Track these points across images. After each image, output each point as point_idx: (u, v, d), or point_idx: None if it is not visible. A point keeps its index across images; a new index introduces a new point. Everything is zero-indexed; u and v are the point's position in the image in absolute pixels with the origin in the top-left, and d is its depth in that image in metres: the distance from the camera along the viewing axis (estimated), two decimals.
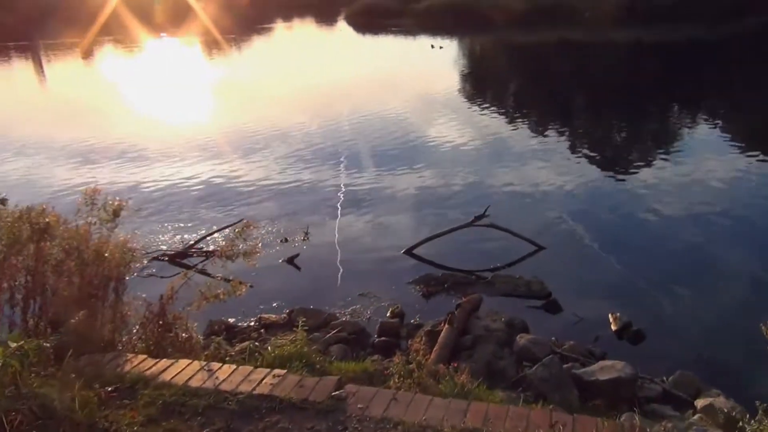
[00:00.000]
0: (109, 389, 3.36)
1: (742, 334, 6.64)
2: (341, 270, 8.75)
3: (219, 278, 6.58)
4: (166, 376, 3.61)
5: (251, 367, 3.69)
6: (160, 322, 5.35)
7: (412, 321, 7.29)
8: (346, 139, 16.25)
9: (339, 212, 10.96)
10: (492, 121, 17.60)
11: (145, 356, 3.99)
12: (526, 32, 39.41)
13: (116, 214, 5.23)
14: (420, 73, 28.22)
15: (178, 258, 9.43)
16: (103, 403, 3.24)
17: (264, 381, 3.51)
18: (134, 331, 5.20)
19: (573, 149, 14.49)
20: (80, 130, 18.69)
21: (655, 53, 29.84)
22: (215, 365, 3.71)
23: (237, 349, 6.27)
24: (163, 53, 44.21)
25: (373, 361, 6.03)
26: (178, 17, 53.38)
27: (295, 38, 52.02)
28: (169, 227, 10.71)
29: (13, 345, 3.09)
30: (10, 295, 4.68)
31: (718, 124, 16.32)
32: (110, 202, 5.20)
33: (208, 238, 9.88)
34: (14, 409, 2.97)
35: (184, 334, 5.44)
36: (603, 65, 27.56)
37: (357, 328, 7.03)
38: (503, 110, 19.62)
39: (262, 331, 7.17)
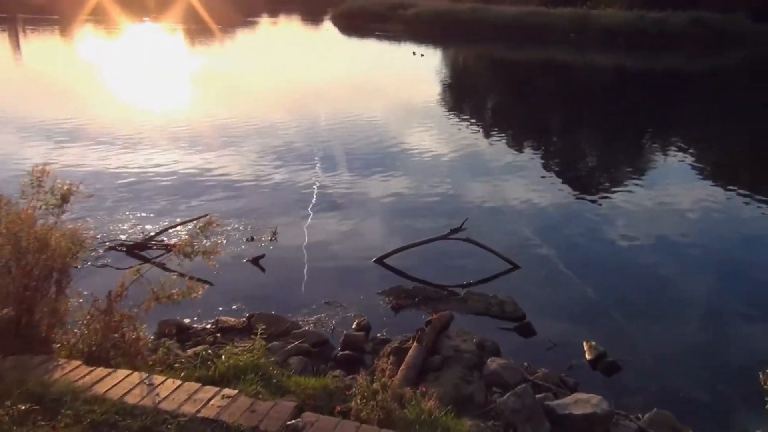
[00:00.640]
0: (29, 404, 2.90)
1: (721, 373, 6.45)
2: (308, 275, 8.34)
3: (177, 275, 6.15)
4: (100, 389, 3.17)
5: (198, 384, 3.26)
6: (106, 321, 4.91)
7: (378, 335, 6.92)
8: (323, 139, 15.86)
9: (310, 214, 10.55)
10: (470, 134, 17.38)
11: (79, 363, 3.54)
12: (510, 48, 39.51)
13: (65, 199, 4.76)
14: (401, 79, 27.98)
15: (137, 249, 8.92)
16: (17, 420, 2.78)
17: (211, 402, 3.10)
18: (75, 330, 4.74)
19: (549, 168, 14.33)
20: (50, 109, 18.00)
21: (635, 79, 30.07)
22: (158, 379, 3.28)
23: (189, 353, 5.83)
24: (144, 38, 43.24)
25: (334, 377, 5.65)
26: (164, 2, 52.42)
27: (280, 34, 51.44)
28: (132, 216, 10.20)
29: None
30: None
31: (690, 152, 16.41)
32: (59, 185, 4.74)
33: (171, 230, 9.39)
34: None
35: (133, 335, 5.00)
36: (583, 87, 27.64)
37: (320, 339, 6.62)
38: (482, 123, 19.42)
39: (218, 335, 6.71)
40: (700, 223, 10.95)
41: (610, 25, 40.23)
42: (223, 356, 4.97)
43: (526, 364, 6.27)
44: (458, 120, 19.43)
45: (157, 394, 3.13)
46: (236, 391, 3.27)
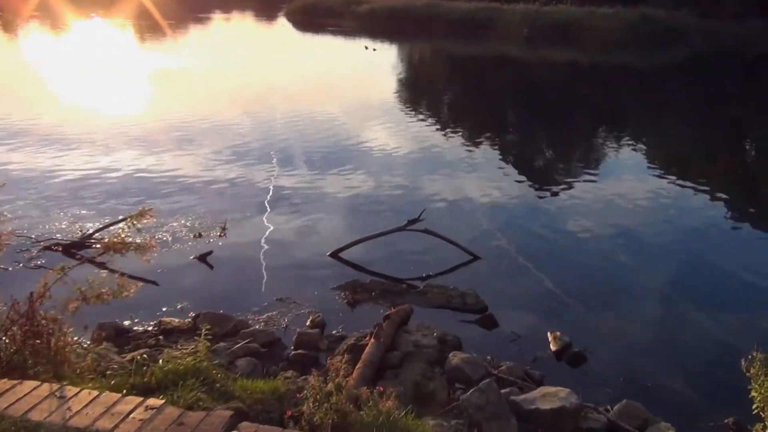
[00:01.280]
0: None
1: (685, 360, 6.30)
2: (258, 271, 7.89)
3: (108, 273, 5.66)
4: (2, 404, 2.69)
5: (118, 395, 2.82)
6: (27, 326, 4.40)
7: (334, 332, 6.54)
8: (278, 136, 15.33)
9: (262, 210, 10.08)
10: (425, 129, 17.08)
11: None
12: (464, 44, 39.49)
13: None
14: (355, 74, 27.57)
15: (74, 249, 8.33)
16: None
17: (132, 415, 2.66)
18: None
19: (506, 162, 14.17)
20: None
21: (588, 75, 30.36)
22: (71, 390, 2.82)
23: (126, 358, 5.35)
24: (91, 34, 41.71)
25: (286, 379, 5.25)
26: None
27: (233, 30, 50.38)
28: (72, 215, 9.59)
29: None
30: None
31: (641, 146, 16.59)
32: None
33: (112, 227, 8.79)
34: None
35: (61, 341, 4.51)
36: (537, 83, 27.71)
37: (271, 338, 6.20)
38: (437, 118, 19.15)
39: (160, 337, 6.22)
40: (653, 213, 10.93)
41: (561, 21, 40.69)
42: (161, 360, 4.53)
43: (489, 357, 5.99)
44: (413, 115, 19.13)
45: (69, 408, 2.68)
46: (162, 401, 2.84)
